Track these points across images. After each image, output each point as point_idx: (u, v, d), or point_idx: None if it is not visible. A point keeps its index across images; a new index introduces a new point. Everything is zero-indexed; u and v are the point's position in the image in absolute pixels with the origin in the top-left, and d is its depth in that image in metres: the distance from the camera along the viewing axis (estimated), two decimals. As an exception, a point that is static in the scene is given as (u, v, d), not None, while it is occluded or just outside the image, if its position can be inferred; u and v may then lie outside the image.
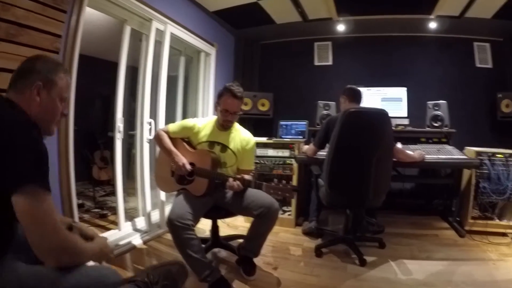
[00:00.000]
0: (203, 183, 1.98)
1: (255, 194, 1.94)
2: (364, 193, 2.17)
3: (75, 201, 2.04)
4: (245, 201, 1.95)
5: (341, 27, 3.71)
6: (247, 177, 1.98)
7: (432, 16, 3.31)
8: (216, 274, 1.83)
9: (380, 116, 2.18)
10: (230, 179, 1.89)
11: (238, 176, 1.93)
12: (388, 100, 3.44)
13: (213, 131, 2.14)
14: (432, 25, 3.47)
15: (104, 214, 3.16)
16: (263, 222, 1.93)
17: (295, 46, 4.26)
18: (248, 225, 2.06)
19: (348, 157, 2.16)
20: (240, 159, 2.15)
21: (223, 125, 2.11)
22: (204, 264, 1.80)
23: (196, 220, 1.89)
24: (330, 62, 4.16)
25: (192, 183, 2.03)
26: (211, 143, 2.12)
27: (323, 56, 4.17)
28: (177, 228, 1.74)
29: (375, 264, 2.21)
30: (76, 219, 2.05)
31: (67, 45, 1.93)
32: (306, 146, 2.77)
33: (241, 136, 2.17)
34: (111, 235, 2.45)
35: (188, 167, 2.01)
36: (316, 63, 4.20)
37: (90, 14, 2.29)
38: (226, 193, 2.07)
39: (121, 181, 2.61)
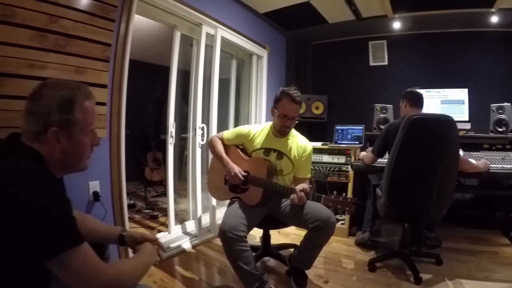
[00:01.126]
0: (257, 192, 1.92)
1: (311, 206, 1.85)
2: (426, 208, 2.00)
3: (125, 202, 2.09)
4: (301, 212, 1.86)
5: (396, 25, 3.50)
6: (304, 186, 1.90)
7: (493, 10, 3.00)
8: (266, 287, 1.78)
9: (447, 124, 1.99)
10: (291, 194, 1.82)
11: (299, 189, 1.82)
12: (449, 102, 3.19)
13: (269, 138, 2.07)
14: (494, 19, 3.17)
15: (155, 216, 3.24)
16: (318, 235, 1.83)
17: (348, 45, 4.09)
18: (299, 232, 1.98)
19: (410, 168, 1.98)
20: (297, 167, 2.06)
21: (280, 131, 2.02)
22: (254, 276, 1.76)
23: (249, 231, 1.85)
24: (385, 62, 3.93)
25: (246, 192, 1.98)
26: (267, 150, 2.05)
27: (378, 56, 3.94)
28: (230, 239, 1.71)
29: (431, 282, 2.06)
30: (126, 219, 2.09)
31: (117, 53, 1.96)
32: (363, 153, 2.63)
33: (298, 142, 2.08)
34: (161, 238, 2.49)
35: (241, 176, 1.96)
36: (371, 63, 3.99)
37: (139, 21, 2.31)
38: (281, 203, 2.00)
39: (173, 186, 2.65)
